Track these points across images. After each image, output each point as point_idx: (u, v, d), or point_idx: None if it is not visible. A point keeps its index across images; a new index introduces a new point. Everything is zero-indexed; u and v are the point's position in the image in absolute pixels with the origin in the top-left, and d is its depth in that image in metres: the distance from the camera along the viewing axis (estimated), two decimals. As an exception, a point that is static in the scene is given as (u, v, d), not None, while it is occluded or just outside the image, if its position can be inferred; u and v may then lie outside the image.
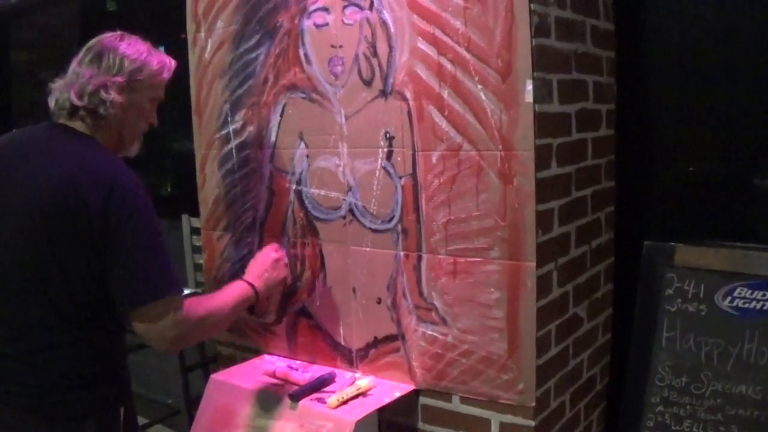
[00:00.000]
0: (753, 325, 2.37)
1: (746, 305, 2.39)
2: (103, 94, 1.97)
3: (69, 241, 1.85)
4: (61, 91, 2.00)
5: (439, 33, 2.21)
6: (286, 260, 2.53)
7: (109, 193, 1.84)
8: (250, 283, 2.30)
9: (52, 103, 2.03)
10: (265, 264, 2.42)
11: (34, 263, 1.87)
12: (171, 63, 2.15)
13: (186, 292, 3.70)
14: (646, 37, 2.69)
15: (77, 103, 1.97)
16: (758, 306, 2.37)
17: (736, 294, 2.41)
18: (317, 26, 2.48)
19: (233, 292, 2.24)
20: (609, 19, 2.59)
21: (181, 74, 2.98)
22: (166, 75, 2.13)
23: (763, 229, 2.53)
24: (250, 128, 2.72)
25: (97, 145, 1.99)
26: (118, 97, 1.99)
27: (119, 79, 2.00)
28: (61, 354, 1.90)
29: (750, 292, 2.39)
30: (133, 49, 2.04)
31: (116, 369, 2.04)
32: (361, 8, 2.36)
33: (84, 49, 2.05)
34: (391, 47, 2.32)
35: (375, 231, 2.45)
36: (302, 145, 2.59)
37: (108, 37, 2.06)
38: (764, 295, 2.36)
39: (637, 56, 2.70)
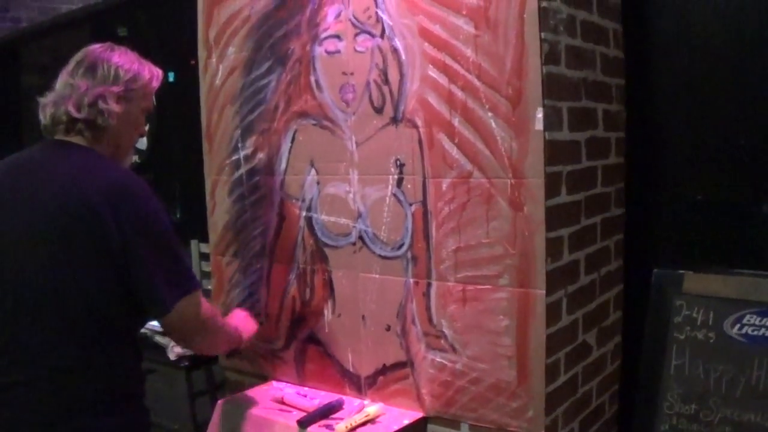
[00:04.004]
0: (762, 352, 2.36)
1: (755, 332, 2.38)
2: (101, 104, 1.95)
3: (85, 252, 1.81)
4: (55, 106, 1.97)
5: (449, 61, 2.23)
6: None
7: (120, 201, 1.82)
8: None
9: (45, 118, 1.99)
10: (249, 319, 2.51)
11: (51, 281, 1.82)
12: (159, 73, 2.14)
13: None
14: (655, 65, 2.70)
15: (76, 115, 1.94)
16: (767, 333, 2.36)
17: (745, 321, 2.40)
18: (329, 53, 2.50)
19: (241, 322, 2.38)
20: (618, 47, 2.61)
21: (192, 100, 3.02)
22: (155, 84, 2.13)
23: (772, 256, 2.53)
24: (261, 154, 2.73)
25: (99, 156, 1.97)
26: (116, 107, 1.97)
27: (116, 88, 1.98)
28: (78, 376, 1.83)
29: (759, 319, 2.38)
30: (125, 58, 2.03)
31: (138, 393, 1.98)
32: (372, 36, 2.38)
33: (74, 61, 2.02)
34: (402, 75, 2.34)
35: (385, 258, 2.45)
36: (313, 171, 2.60)
37: (97, 48, 2.04)
38: (774, 322, 2.35)
39: (647, 84, 2.71)
